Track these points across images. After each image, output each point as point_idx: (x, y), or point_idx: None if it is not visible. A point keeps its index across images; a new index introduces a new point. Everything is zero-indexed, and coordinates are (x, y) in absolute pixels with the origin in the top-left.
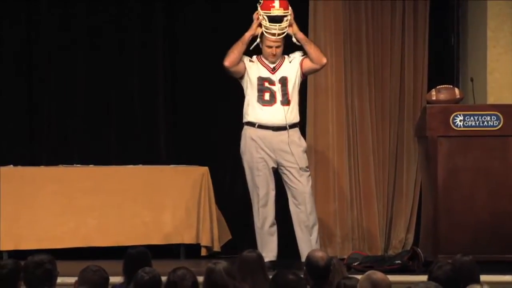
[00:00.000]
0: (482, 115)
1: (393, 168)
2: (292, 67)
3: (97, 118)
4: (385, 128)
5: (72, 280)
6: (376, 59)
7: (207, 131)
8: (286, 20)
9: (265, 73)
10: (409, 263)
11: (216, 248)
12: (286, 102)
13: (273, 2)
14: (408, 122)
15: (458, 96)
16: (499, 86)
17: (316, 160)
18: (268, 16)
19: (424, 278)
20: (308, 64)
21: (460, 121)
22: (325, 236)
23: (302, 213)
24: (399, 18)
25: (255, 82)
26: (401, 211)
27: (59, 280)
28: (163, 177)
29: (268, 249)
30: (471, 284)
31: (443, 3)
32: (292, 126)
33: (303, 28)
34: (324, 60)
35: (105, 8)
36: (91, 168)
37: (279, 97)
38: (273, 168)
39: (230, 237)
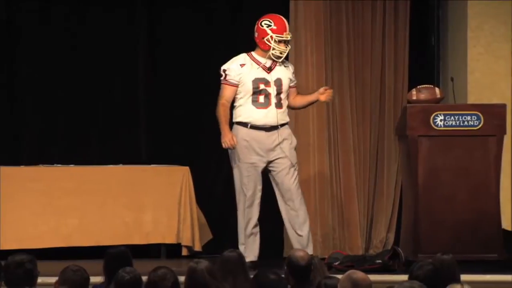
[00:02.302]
0: (462, 115)
1: (374, 167)
2: (286, 73)
3: (77, 118)
4: (365, 128)
5: (52, 280)
6: (357, 58)
7: (187, 131)
8: (286, 44)
9: (261, 73)
10: (390, 263)
11: (197, 247)
12: (279, 105)
13: (285, 27)
14: (388, 122)
15: (438, 96)
16: (480, 85)
17: (297, 159)
18: (280, 39)
19: (405, 277)
20: (290, 96)
21: (441, 120)
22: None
23: (292, 210)
24: (380, 18)
25: (250, 85)
26: (382, 211)
27: (40, 280)
28: (144, 177)
29: (250, 249)
30: (452, 284)
31: (423, 3)
32: (283, 124)
33: None
34: None
35: (85, 8)
36: (72, 168)
37: (273, 99)
38: (262, 169)
39: (211, 236)
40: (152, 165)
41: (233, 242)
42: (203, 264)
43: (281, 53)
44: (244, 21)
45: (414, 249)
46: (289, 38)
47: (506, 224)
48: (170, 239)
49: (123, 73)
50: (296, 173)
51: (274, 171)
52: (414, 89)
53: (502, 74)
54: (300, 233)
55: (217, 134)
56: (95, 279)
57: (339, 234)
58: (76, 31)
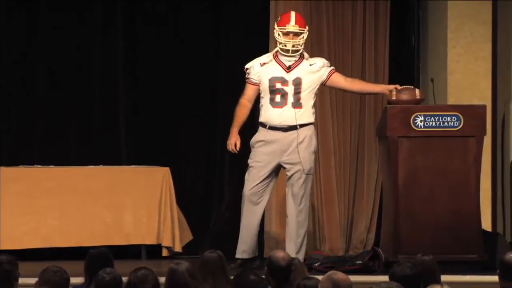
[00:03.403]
0: (442, 116)
1: (354, 168)
2: (311, 72)
3: (57, 119)
4: (346, 129)
5: (32, 281)
6: (337, 59)
7: (168, 131)
8: (302, 37)
9: (279, 72)
10: (370, 263)
11: (177, 248)
12: (297, 104)
13: (289, 18)
14: (369, 122)
15: (418, 97)
16: (459, 86)
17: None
18: (282, 32)
19: (385, 278)
20: (339, 83)
21: (421, 121)
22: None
23: (298, 212)
24: (360, 18)
25: (267, 84)
26: (362, 211)
27: (20, 281)
28: (124, 178)
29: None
30: (432, 284)
31: (403, 3)
32: (303, 125)
33: (265, 28)
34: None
35: (66, 10)
36: (52, 169)
37: (290, 99)
38: (271, 169)
39: (191, 237)
40: (132, 166)
41: (213, 242)
42: (184, 265)
43: (286, 45)
44: (225, 21)
45: (394, 250)
46: (292, 30)
47: (486, 225)
48: (151, 240)
49: (103, 74)
50: (307, 179)
51: (286, 174)
52: (394, 90)
53: (482, 75)
54: (288, 243)
55: (198, 135)
56: (76, 280)
57: (319, 235)
58: (55, 33)
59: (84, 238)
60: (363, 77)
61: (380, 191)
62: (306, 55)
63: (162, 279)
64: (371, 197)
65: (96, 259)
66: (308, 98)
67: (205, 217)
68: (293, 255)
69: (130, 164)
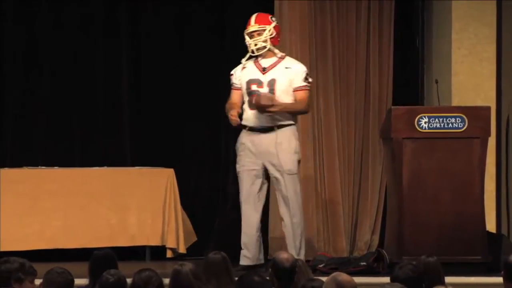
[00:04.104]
0: (446, 117)
1: (359, 169)
2: (286, 74)
3: (61, 120)
4: (350, 130)
5: (36, 282)
6: (342, 60)
7: (172, 133)
8: (265, 35)
9: (255, 75)
10: (374, 265)
11: (182, 250)
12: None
13: (250, 20)
14: (373, 124)
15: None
16: (464, 88)
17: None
18: (247, 34)
19: (389, 279)
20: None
21: (425, 123)
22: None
23: (291, 215)
24: (364, 19)
25: (244, 87)
26: (366, 213)
27: None
28: (128, 179)
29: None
30: (436, 286)
31: (408, 4)
32: (281, 126)
33: None
34: (308, 111)
35: (69, 10)
36: (56, 170)
37: None
38: (260, 171)
39: (195, 238)
40: (136, 167)
41: (218, 244)
42: (188, 266)
43: (250, 46)
44: (229, 21)
45: (399, 251)
46: (251, 30)
47: (490, 226)
48: (155, 241)
49: (107, 76)
50: (292, 179)
51: (271, 176)
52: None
53: (486, 76)
54: (289, 247)
55: (202, 136)
56: (80, 281)
57: (323, 236)
58: (61, 35)
59: (88, 240)
60: (367, 78)
61: (385, 192)
62: (288, 57)
63: (166, 281)
64: (375, 199)
65: (101, 260)
66: (284, 99)
67: (210, 218)
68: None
69: (134, 166)
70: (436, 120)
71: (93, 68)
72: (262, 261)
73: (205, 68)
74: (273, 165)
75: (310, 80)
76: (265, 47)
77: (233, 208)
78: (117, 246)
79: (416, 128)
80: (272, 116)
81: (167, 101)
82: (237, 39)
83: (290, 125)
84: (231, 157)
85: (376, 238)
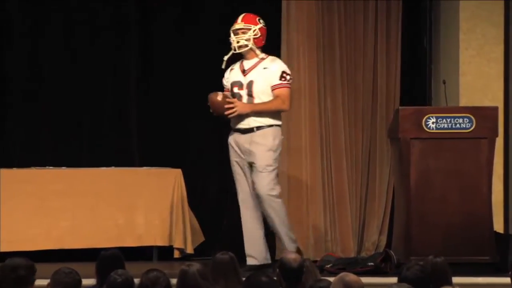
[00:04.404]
0: (454, 117)
1: (366, 170)
2: (263, 74)
3: (69, 120)
4: (358, 130)
5: (44, 282)
6: (349, 60)
7: (180, 133)
8: (248, 34)
9: (238, 77)
10: (381, 265)
11: (189, 250)
12: None
13: (237, 19)
14: (380, 124)
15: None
16: (471, 88)
17: (289, 162)
18: (232, 31)
19: (396, 280)
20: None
21: (433, 123)
22: (298, 238)
23: (265, 211)
24: (372, 19)
25: (230, 89)
26: (374, 213)
27: None
28: (136, 179)
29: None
30: (444, 286)
31: (415, 4)
32: (260, 128)
33: (276, 29)
34: (285, 109)
35: (79, 9)
36: (64, 170)
37: (244, 101)
38: (245, 169)
39: (203, 239)
40: (144, 168)
41: (225, 244)
42: (195, 266)
43: (232, 43)
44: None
45: (406, 252)
46: (236, 27)
47: (498, 227)
48: (162, 242)
49: (115, 76)
50: (266, 176)
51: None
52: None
53: (494, 77)
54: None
55: (210, 136)
56: (88, 281)
57: (331, 236)
58: (68, 36)
59: (95, 240)
60: (375, 78)
61: (392, 192)
62: (270, 58)
63: (173, 281)
64: (383, 199)
65: (108, 260)
66: (263, 100)
67: (217, 218)
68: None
69: (142, 166)
70: (444, 120)
71: (101, 68)
72: (269, 261)
73: (213, 68)
74: (251, 163)
75: (288, 78)
76: (247, 45)
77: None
78: (125, 246)
79: (424, 129)
80: (251, 117)
81: (175, 101)
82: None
83: (271, 125)
84: None
85: (384, 239)
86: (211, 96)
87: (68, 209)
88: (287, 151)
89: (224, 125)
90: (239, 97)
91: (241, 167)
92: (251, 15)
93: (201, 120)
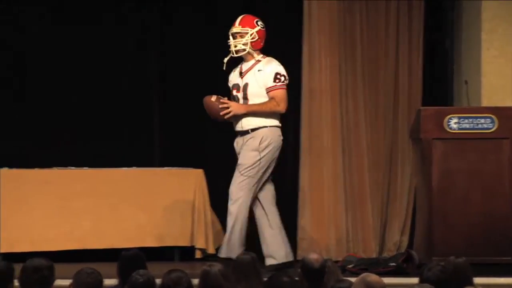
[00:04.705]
0: (476, 118)
1: (388, 170)
2: (257, 77)
3: (91, 121)
4: (379, 130)
5: (66, 282)
6: (370, 61)
7: (201, 133)
8: (246, 38)
9: (236, 79)
10: (403, 266)
11: (211, 250)
12: None
13: (235, 21)
14: (402, 124)
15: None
16: (493, 88)
17: (310, 162)
18: (230, 34)
19: (418, 280)
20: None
21: (455, 123)
22: (319, 238)
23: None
24: (394, 20)
25: (231, 91)
26: (396, 214)
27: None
28: (158, 180)
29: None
30: (465, 287)
31: (437, 4)
32: (255, 129)
33: (298, 30)
34: (280, 110)
35: (100, 9)
36: (86, 171)
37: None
38: None
39: None
40: (166, 168)
41: (247, 244)
42: (217, 267)
43: (230, 47)
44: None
45: (428, 252)
46: (233, 31)
47: None
48: (184, 242)
49: (136, 76)
50: (240, 175)
51: None
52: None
53: None
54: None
55: (232, 136)
56: (109, 282)
57: (352, 237)
58: (90, 34)
59: (117, 240)
60: (396, 78)
61: (414, 193)
62: (266, 59)
63: (195, 281)
64: (404, 199)
65: (129, 260)
66: (256, 101)
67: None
68: (221, 250)
69: (163, 166)
70: (466, 120)
71: (123, 69)
72: (291, 258)
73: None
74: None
75: (282, 79)
76: (244, 50)
77: None
78: (146, 246)
79: (446, 129)
80: (245, 119)
81: (197, 101)
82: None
83: (264, 127)
84: None
85: (406, 239)
86: (205, 99)
87: (90, 209)
88: (308, 152)
89: None
90: (237, 99)
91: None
92: (249, 18)
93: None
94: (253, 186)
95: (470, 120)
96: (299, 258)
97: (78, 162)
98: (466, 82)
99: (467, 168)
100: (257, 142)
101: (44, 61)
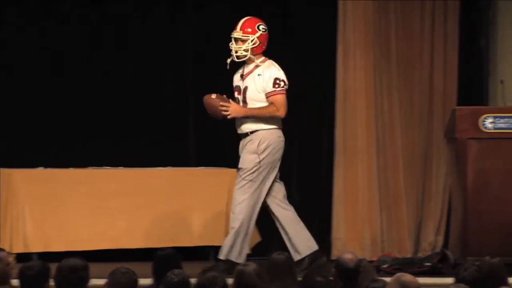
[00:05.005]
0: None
1: (422, 170)
2: (257, 81)
3: (127, 120)
4: (414, 130)
5: (101, 282)
6: (405, 60)
7: (236, 133)
8: (247, 43)
9: (238, 81)
10: (438, 265)
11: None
12: None
13: (237, 25)
14: (437, 124)
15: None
16: None
17: (345, 162)
18: (232, 37)
19: (453, 280)
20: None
21: (490, 123)
22: (354, 238)
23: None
24: (429, 19)
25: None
26: (431, 213)
27: (89, 282)
28: (192, 179)
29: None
30: (500, 287)
31: (473, 3)
32: (254, 132)
33: (333, 29)
34: (280, 115)
35: (134, 6)
36: (120, 170)
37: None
38: None
39: (259, 239)
40: (200, 168)
41: (282, 244)
42: (251, 266)
43: (232, 50)
44: (294, 22)
45: (463, 252)
46: (234, 36)
47: None
48: (219, 242)
49: (172, 75)
50: (241, 179)
51: None
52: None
53: None
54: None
55: None
56: (144, 281)
57: (387, 237)
58: (130, 34)
59: (152, 240)
60: (431, 78)
61: (449, 193)
62: (266, 63)
63: (230, 281)
64: (439, 199)
65: (165, 260)
66: (255, 104)
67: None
68: (221, 251)
69: (198, 166)
70: (501, 120)
71: (159, 67)
72: (313, 248)
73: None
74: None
75: (282, 84)
76: (245, 55)
77: (297, 209)
78: (181, 246)
79: (481, 129)
80: (245, 122)
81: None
82: (300, 40)
83: (262, 130)
84: (295, 158)
85: (441, 239)
86: (205, 98)
87: (125, 209)
88: (342, 152)
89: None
90: (238, 102)
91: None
92: (251, 22)
93: None
94: (256, 189)
95: (506, 119)
96: (333, 258)
97: (113, 161)
98: (501, 81)
99: (502, 167)
100: (255, 145)
101: (78, 61)
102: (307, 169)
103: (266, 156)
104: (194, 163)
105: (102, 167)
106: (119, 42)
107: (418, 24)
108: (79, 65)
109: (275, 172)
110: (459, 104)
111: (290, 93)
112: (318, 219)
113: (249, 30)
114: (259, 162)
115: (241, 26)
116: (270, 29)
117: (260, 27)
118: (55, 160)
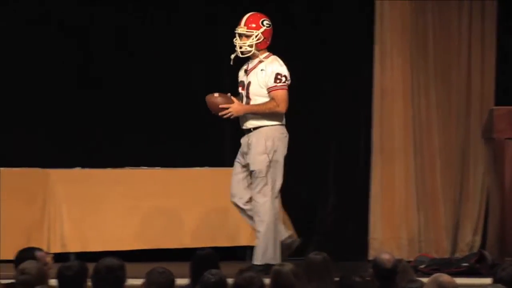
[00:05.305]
0: None
1: (460, 170)
2: (259, 76)
3: (164, 121)
4: (451, 130)
5: (139, 282)
6: (443, 60)
7: None
8: (251, 39)
9: (242, 77)
10: (476, 266)
11: None
12: None
13: (241, 21)
14: (474, 124)
15: None
16: None
17: (382, 162)
18: (236, 32)
19: (491, 281)
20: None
21: None
22: (391, 238)
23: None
24: (466, 19)
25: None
26: (468, 214)
27: (126, 282)
28: (228, 180)
29: None
30: None
31: (510, 4)
32: (256, 128)
33: (370, 29)
34: (280, 111)
35: (173, 7)
36: (157, 171)
37: (244, 103)
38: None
39: (296, 238)
40: None
41: (319, 244)
42: (288, 266)
43: (236, 47)
44: (330, 22)
45: (501, 252)
46: (238, 31)
47: None
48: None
49: (209, 76)
50: (260, 182)
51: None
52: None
53: None
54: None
55: (301, 137)
56: (181, 281)
57: (425, 237)
58: (160, 34)
59: (189, 240)
60: (469, 78)
61: (486, 193)
62: (270, 58)
63: (267, 281)
64: (477, 200)
65: (202, 260)
66: (258, 101)
67: (310, 219)
68: (255, 256)
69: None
70: None
71: (196, 68)
72: (294, 238)
73: (305, 68)
74: (248, 165)
75: (283, 80)
76: (249, 51)
77: (333, 210)
78: (218, 246)
79: None
80: (248, 118)
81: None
82: (336, 39)
83: (265, 126)
84: (332, 159)
85: (478, 239)
86: (207, 97)
87: (162, 209)
88: (380, 152)
89: (315, 126)
90: (242, 97)
91: (243, 167)
92: (256, 17)
93: (292, 121)
94: (274, 186)
95: None
96: (370, 258)
97: (150, 162)
98: None
99: None
100: (262, 144)
101: (112, 64)
102: (344, 169)
103: (275, 153)
104: (231, 163)
105: (139, 167)
106: (157, 42)
107: (456, 24)
108: (108, 67)
109: (282, 169)
110: (496, 104)
111: (328, 94)
112: (355, 219)
113: (254, 25)
114: (270, 161)
115: (245, 22)
116: (305, 29)
117: (264, 23)
118: (92, 160)
